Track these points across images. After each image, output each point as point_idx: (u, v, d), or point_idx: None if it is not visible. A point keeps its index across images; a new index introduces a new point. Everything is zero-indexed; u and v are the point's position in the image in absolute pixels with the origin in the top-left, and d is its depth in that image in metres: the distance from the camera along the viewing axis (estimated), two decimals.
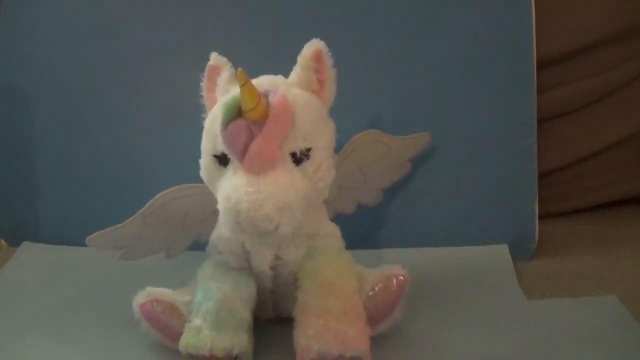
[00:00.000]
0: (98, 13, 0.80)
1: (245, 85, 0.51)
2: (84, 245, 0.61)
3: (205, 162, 0.56)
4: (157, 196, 0.61)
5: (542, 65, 0.77)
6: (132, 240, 0.62)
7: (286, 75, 0.58)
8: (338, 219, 0.63)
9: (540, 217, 0.76)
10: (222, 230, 0.58)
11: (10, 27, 0.82)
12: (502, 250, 0.74)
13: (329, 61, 0.57)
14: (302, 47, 0.57)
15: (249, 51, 0.75)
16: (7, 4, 0.82)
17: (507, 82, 0.76)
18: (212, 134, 0.55)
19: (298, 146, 0.54)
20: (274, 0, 0.77)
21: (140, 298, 0.57)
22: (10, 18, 0.82)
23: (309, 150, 0.54)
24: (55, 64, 0.81)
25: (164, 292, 0.58)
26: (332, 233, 0.60)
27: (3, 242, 0.83)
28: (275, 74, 0.58)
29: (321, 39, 0.57)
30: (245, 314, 0.55)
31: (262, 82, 0.56)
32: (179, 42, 0.79)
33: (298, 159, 0.54)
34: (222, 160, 0.55)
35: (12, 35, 0.82)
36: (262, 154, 0.52)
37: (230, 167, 0.54)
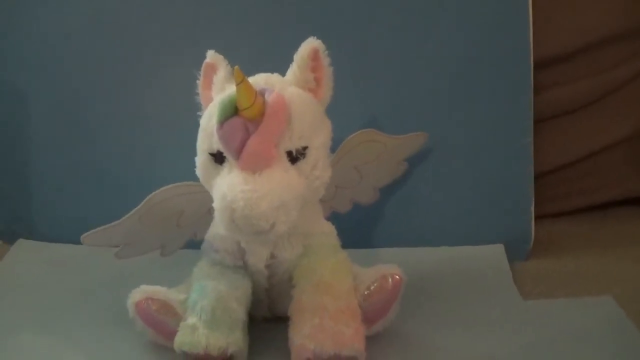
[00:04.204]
0: (96, 11, 0.80)
1: (241, 83, 0.51)
2: (79, 243, 0.61)
3: (201, 160, 0.56)
4: (152, 194, 0.61)
5: (538, 66, 0.77)
6: (127, 238, 0.62)
7: (283, 73, 0.58)
8: (334, 217, 0.63)
9: (536, 218, 0.76)
10: (217, 228, 0.58)
11: (8, 26, 0.81)
12: (498, 250, 0.74)
13: (325, 60, 0.57)
14: (299, 45, 0.57)
15: (245, 49, 0.74)
16: (6, 4, 0.81)
17: (503, 82, 0.76)
18: (208, 132, 0.55)
19: (294, 145, 0.54)
20: None
21: (135, 296, 0.57)
22: (9, 17, 0.81)
23: (305, 148, 0.54)
24: (51, 61, 0.81)
25: (159, 290, 0.58)
26: (328, 232, 0.60)
27: None
28: (272, 72, 0.58)
29: (318, 38, 0.57)
30: (240, 313, 0.55)
31: (258, 80, 0.56)
32: (178, 40, 0.78)
33: (294, 157, 0.54)
34: (218, 158, 0.54)
35: (10, 34, 0.81)
36: (258, 153, 0.52)
37: (226, 165, 0.54)
